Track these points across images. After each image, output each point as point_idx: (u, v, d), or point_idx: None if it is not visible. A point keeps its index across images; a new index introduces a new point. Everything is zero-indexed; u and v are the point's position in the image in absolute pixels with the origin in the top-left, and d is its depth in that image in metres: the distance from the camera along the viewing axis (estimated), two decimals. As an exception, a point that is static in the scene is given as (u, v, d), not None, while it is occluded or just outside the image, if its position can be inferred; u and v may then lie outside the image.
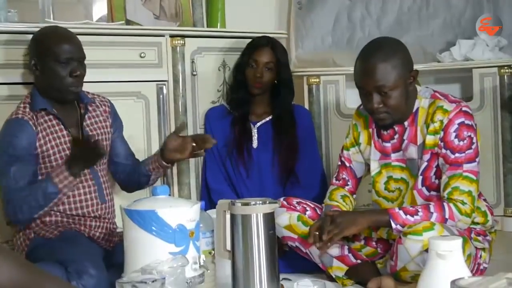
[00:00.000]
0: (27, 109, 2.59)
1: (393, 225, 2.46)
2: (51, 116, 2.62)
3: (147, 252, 2.09)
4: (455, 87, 4.00)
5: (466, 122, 2.51)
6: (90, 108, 2.72)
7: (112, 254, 2.61)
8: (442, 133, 2.51)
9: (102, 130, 2.74)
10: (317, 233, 2.52)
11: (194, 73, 3.36)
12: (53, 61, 2.57)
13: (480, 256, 2.58)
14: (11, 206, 2.51)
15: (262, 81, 3.28)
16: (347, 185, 2.81)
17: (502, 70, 3.71)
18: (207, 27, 3.69)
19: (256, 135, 3.34)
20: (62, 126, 2.62)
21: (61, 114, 2.64)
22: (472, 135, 2.51)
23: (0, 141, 2.56)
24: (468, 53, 3.83)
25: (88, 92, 2.76)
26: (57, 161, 2.58)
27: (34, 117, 2.58)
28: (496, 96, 3.71)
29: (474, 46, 3.84)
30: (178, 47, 3.29)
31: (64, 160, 2.55)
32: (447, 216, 2.44)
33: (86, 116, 2.70)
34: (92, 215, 2.65)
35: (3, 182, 2.53)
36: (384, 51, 2.51)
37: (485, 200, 2.71)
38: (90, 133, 2.68)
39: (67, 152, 2.60)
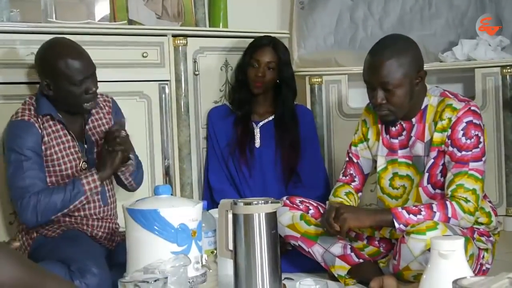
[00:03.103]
0: (32, 112, 2.57)
1: (396, 225, 2.46)
2: (55, 121, 2.60)
3: (149, 251, 2.09)
4: (457, 87, 4.00)
5: (474, 121, 2.51)
6: (93, 111, 2.71)
7: (114, 254, 2.62)
8: (449, 130, 2.51)
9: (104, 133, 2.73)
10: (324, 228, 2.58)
11: (197, 72, 3.36)
12: (67, 83, 2.53)
13: (483, 256, 2.58)
14: (27, 209, 2.48)
15: (263, 80, 3.28)
16: (354, 181, 2.81)
17: (504, 70, 3.71)
18: (210, 26, 3.69)
19: (259, 134, 3.34)
20: (66, 131, 2.61)
21: (65, 118, 2.63)
22: (480, 134, 2.51)
23: (7, 142, 2.55)
24: (470, 53, 3.83)
25: None
26: (60, 166, 2.58)
27: (40, 120, 2.57)
28: (499, 96, 3.71)
29: (476, 46, 3.83)
30: (180, 47, 3.29)
31: (95, 165, 2.60)
32: (450, 215, 2.44)
33: (89, 120, 2.69)
34: (95, 217, 2.65)
35: (15, 183, 2.51)
36: (394, 48, 2.51)
37: (489, 201, 2.71)
38: (92, 137, 2.68)
39: (71, 157, 2.60)
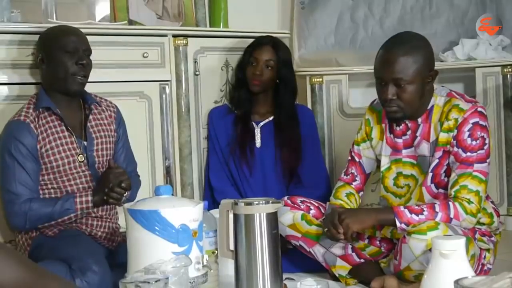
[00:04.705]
0: (31, 110, 2.59)
1: (398, 224, 2.46)
2: (53, 117, 2.61)
3: (150, 252, 2.08)
4: (458, 87, 3.99)
5: (481, 122, 2.51)
6: (95, 110, 2.71)
7: (115, 254, 2.62)
8: (455, 131, 2.51)
9: (106, 133, 2.72)
10: (326, 230, 2.55)
11: (197, 73, 3.36)
12: (60, 51, 2.60)
13: (484, 257, 2.58)
14: (18, 215, 2.52)
15: (261, 78, 3.27)
16: (355, 180, 2.80)
17: (505, 69, 3.71)
18: (210, 27, 3.69)
19: (259, 134, 3.34)
20: (64, 127, 2.62)
21: (65, 114, 2.64)
22: (485, 136, 2.51)
23: (3, 142, 2.57)
24: (471, 52, 3.83)
25: (96, 96, 2.76)
26: (57, 162, 2.58)
27: (36, 118, 2.58)
28: (499, 95, 3.71)
29: (477, 46, 3.83)
30: (181, 47, 3.29)
31: (93, 188, 2.60)
32: (452, 216, 2.44)
33: (90, 117, 2.69)
34: (94, 215, 2.65)
35: (7, 186, 2.54)
36: (409, 45, 2.51)
37: (492, 202, 2.71)
38: (93, 135, 2.68)
39: (68, 152, 2.60)
